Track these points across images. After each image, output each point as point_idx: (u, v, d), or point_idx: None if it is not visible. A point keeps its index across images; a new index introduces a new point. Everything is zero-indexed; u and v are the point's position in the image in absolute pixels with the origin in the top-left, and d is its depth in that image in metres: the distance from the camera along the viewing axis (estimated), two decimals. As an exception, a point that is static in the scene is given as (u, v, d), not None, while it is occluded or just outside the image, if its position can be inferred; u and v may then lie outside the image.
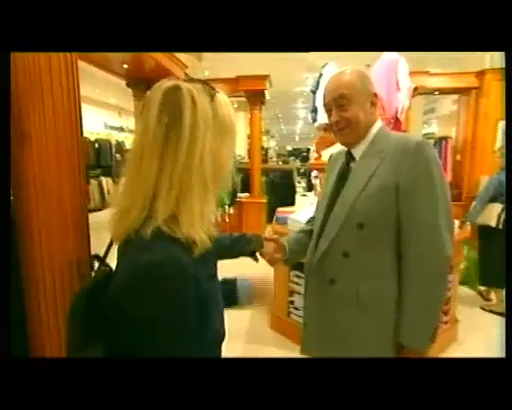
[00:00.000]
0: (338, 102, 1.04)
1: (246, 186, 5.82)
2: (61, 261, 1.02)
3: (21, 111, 0.94)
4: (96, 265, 0.70)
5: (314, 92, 3.10)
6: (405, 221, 0.98)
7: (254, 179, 5.56)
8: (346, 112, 1.04)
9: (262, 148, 7.59)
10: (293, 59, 5.42)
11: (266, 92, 5.24)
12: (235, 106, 7.90)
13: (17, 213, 0.99)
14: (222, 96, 0.63)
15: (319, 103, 2.97)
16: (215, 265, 0.71)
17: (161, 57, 3.59)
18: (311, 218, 1.36)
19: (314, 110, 3.13)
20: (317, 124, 3.13)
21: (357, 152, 1.09)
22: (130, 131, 9.85)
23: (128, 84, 4.00)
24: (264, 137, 9.41)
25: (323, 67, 3.05)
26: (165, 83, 0.59)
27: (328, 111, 1.09)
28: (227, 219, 5.29)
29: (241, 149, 7.45)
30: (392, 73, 2.78)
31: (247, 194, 5.71)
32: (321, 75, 3.04)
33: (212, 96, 0.61)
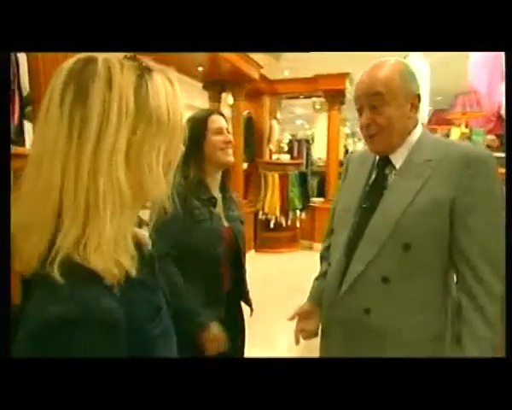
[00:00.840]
0: (371, 101, 0.88)
1: (321, 190, 5.56)
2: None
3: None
4: None
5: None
6: (462, 237, 0.84)
7: (330, 183, 5.26)
8: (378, 115, 0.88)
9: (346, 151, 7.18)
10: (377, 54, 4.96)
11: (346, 91, 4.90)
12: (318, 107, 7.63)
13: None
14: (160, 78, 0.48)
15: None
16: (162, 292, 0.57)
17: (236, 58, 3.63)
18: None
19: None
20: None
21: (397, 158, 0.93)
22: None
23: (204, 87, 4.16)
24: (350, 140, 8.89)
25: (405, 58, 2.66)
26: (80, 55, 0.46)
27: (359, 109, 0.93)
28: (298, 225, 5.11)
29: (321, 151, 7.21)
30: (496, 59, 2.27)
31: (321, 199, 5.45)
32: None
33: (142, 74, 0.46)
